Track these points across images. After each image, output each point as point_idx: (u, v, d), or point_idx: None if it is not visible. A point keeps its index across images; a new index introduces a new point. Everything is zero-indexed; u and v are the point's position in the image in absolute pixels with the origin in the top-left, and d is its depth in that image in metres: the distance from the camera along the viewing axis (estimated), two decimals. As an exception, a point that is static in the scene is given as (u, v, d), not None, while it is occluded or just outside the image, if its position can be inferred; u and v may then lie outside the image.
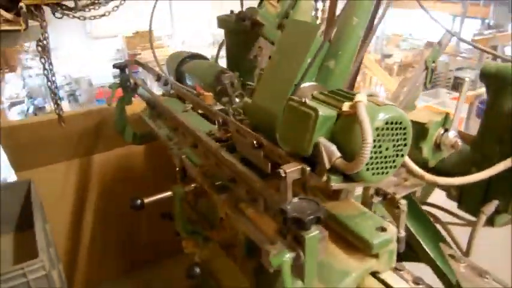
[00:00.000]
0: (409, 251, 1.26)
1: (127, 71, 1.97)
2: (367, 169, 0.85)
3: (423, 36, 12.07)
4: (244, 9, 2.02)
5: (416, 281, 1.08)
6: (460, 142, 1.28)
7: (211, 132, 1.38)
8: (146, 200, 1.34)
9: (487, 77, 1.27)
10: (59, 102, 1.71)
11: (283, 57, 1.08)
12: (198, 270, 1.25)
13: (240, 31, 2.09)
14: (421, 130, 1.22)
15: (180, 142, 1.84)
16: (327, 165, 0.85)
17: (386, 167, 0.89)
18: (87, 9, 1.87)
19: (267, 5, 1.83)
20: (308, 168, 0.86)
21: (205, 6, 11.52)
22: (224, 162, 1.14)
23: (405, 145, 0.90)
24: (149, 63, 2.77)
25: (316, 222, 0.78)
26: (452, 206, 1.52)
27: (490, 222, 1.32)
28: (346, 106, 0.86)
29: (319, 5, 2.07)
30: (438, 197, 1.61)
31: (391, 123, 0.85)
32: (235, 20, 2.00)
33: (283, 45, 1.12)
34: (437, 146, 1.27)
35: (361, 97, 0.84)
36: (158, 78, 1.64)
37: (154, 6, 2.27)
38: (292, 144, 0.92)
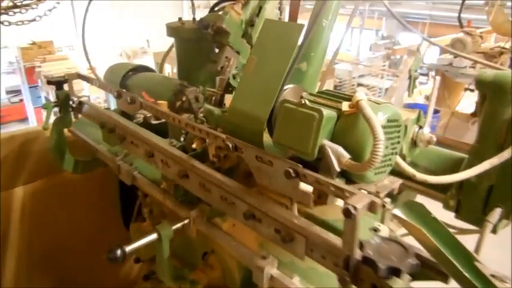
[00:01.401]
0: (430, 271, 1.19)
1: (66, 87, 1.64)
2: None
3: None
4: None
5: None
6: (435, 138, 1.33)
7: (172, 144, 1.25)
8: (128, 248, 1.07)
9: (483, 85, 1.26)
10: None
11: (264, 58, 1.02)
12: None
13: (196, 40, 1.90)
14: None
15: (130, 155, 1.59)
16: (337, 168, 0.83)
17: (384, 166, 0.92)
18: (11, 13, 1.52)
19: (231, 12, 1.66)
20: (379, 201, 0.72)
21: (111, 19, 10.84)
22: (242, 198, 0.95)
23: (398, 143, 0.95)
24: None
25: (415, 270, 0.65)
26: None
27: (493, 229, 1.31)
28: (345, 106, 0.86)
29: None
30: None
31: (391, 121, 0.88)
32: (196, 27, 1.81)
33: (263, 46, 1.05)
34: (414, 143, 1.31)
35: (361, 96, 0.84)
36: (119, 95, 1.37)
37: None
38: (292, 148, 0.89)
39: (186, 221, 1.17)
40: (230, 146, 0.96)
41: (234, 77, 1.43)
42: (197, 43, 1.92)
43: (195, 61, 1.96)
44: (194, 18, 1.97)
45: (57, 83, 1.64)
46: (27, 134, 1.98)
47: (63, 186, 2.16)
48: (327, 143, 0.84)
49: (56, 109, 1.68)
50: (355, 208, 0.69)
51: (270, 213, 0.89)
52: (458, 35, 3.82)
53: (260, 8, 1.74)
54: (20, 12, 1.54)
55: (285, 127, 0.90)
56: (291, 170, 0.83)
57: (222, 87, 1.43)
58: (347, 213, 0.69)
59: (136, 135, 1.28)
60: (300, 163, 0.86)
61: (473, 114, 1.66)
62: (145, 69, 2.06)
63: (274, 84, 0.97)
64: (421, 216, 1.17)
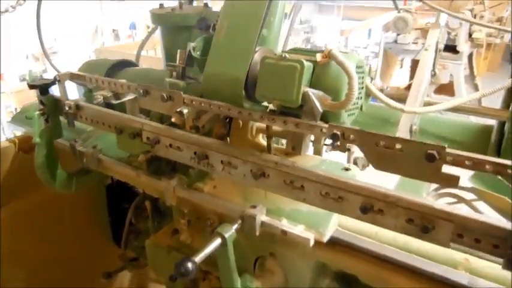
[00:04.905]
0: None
1: (57, 89, 1.36)
2: (345, 110, 1.00)
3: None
4: None
5: None
6: (386, 87, 1.53)
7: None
8: (197, 259, 0.91)
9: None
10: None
11: (235, 23, 1.11)
12: None
13: (188, 26, 1.72)
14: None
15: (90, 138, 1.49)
16: (320, 109, 0.94)
17: (354, 108, 1.06)
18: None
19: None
20: None
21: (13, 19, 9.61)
22: (356, 191, 0.84)
23: (362, 88, 1.07)
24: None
25: None
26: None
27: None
28: (319, 56, 0.97)
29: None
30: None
31: (358, 67, 0.98)
32: (188, 13, 1.63)
33: (232, 11, 1.14)
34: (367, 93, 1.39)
35: (332, 46, 0.96)
36: (146, 92, 1.16)
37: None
38: (278, 99, 0.97)
39: (239, 222, 1.04)
40: (339, 133, 0.85)
41: (194, 49, 1.32)
42: (189, 30, 1.74)
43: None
44: (181, 3, 1.79)
45: (42, 87, 1.37)
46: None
47: (42, 205, 1.84)
48: (309, 90, 0.94)
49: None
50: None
51: (399, 203, 0.80)
52: (401, 14, 4.00)
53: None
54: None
55: (267, 80, 0.98)
56: (434, 152, 0.74)
57: (183, 60, 1.35)
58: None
59: (179, 137, 1.10)
60: (280, 114, 0.98)
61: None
62: (127, 64, 1.82)
63: (247, 46, 1.05)
64: (495, 186, 1.17)
